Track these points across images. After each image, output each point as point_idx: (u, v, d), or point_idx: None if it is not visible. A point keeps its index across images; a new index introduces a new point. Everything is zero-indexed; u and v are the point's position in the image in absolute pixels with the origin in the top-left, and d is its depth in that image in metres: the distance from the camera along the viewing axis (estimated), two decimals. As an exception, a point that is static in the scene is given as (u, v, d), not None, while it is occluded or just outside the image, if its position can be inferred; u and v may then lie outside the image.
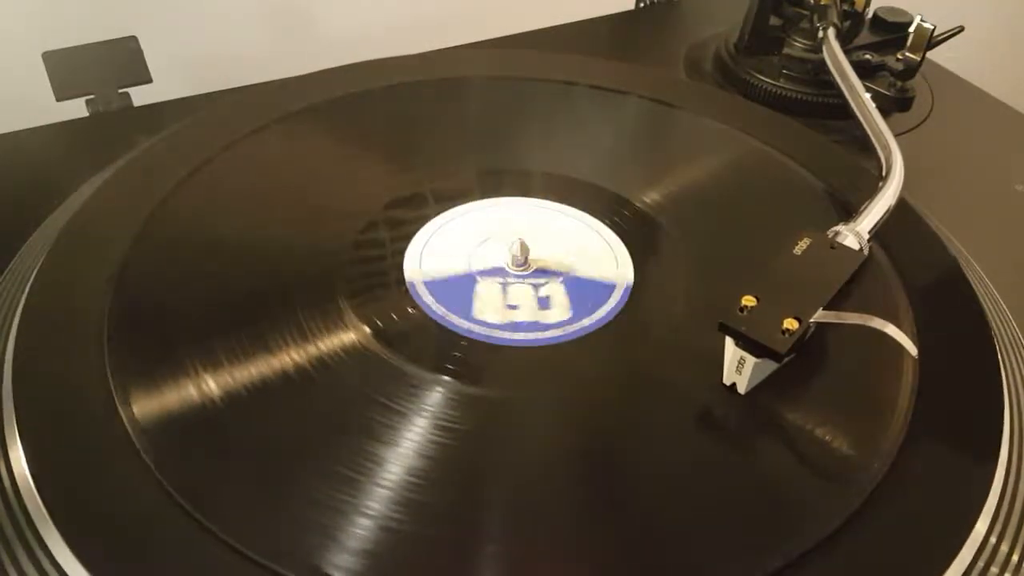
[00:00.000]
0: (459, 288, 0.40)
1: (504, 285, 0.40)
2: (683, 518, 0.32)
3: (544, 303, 0.39)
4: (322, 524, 0.30)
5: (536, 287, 0.40)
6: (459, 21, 0.78)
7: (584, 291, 0.40)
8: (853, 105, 0.50)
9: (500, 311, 0.39)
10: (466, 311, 0.38)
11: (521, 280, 0.40)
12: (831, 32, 0.55)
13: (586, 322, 0.38)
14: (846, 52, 0.54)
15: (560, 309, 0.39)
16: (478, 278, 0.40)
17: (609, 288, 0.39)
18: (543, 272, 0.41)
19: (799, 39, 0.58)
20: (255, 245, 0.41)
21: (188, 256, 0.40)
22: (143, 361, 0.35)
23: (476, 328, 0.38)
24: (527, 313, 0.39)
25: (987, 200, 0.52)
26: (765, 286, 0.35)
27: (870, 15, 0.60)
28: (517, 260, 0.41)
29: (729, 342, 0.35)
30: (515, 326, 0.38)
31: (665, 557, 0.30)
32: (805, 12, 0.58)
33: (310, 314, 0.37)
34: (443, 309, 0.38)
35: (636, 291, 0.40)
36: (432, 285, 0.40)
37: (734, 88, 0.60)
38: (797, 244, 0.38)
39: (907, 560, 0.31)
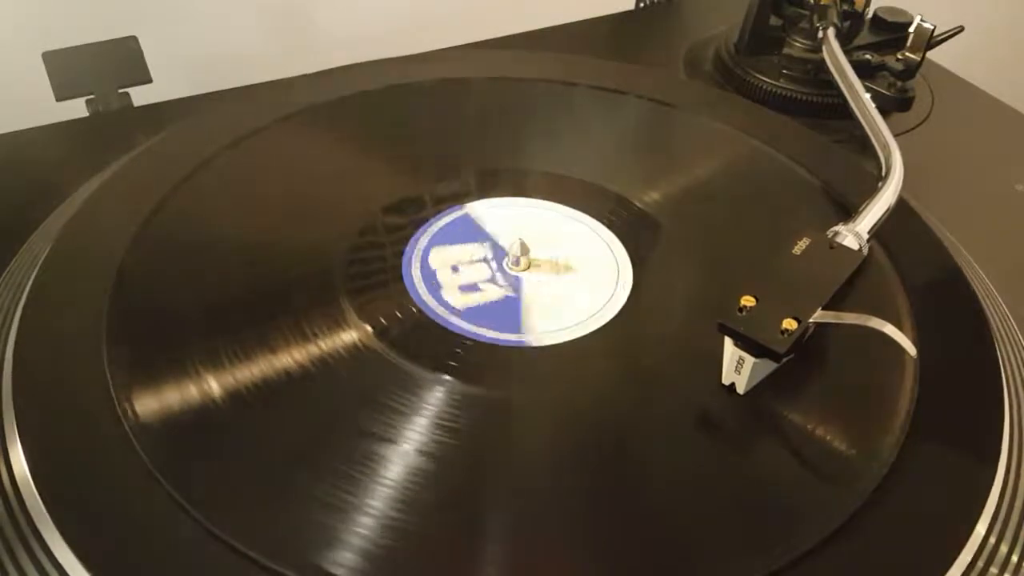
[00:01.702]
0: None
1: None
2: (683, 518, 0.32)
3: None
4: (323, 523, 0.30)
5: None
6: (459, 21, 0.78)
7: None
8: (853, 105, 0.50)
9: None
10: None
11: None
12: (831, 32, 0.55)
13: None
14: (846, 52, 0.54)
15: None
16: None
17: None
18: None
19: (799, 39, 0.58)
20: (255, 245, 0.41)
21: (188, 256, 0.40)
22: (143, 361, 0.35)
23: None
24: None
25: (987, 200, 0.52)
26: (764, 286, 0.35)
27: (870, 15, 0.60)
28: (516, 259, 0.41)
29: (728, 342, 0.35)
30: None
31: (665, 557, 0.30)
32: (805, 12, 0.58)
33: (310, 313, 0.37)
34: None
35: (635, 291, 0.40)
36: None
37: (734, 88, 0.60)
38: (796, 244, 0.38)
39: (907, 560, 0.31)
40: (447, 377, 0.35)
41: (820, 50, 0.55)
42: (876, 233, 0.41)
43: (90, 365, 0.34)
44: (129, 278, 0.38)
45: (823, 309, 0.35)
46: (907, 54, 0.54)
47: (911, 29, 0.54)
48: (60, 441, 0.32)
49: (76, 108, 0.53)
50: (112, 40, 0.54)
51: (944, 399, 0.35)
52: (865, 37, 0.59)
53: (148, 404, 0.33)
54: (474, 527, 0.31)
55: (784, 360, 0.34)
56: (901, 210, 0.43)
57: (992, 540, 0.32)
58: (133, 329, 0.36)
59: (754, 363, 0.34)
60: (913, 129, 0.57)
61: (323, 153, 0.48)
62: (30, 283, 0.38)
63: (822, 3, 0.56)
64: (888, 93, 0.54)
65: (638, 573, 0.30)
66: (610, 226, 0.44)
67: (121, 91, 0.54)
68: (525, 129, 0.50)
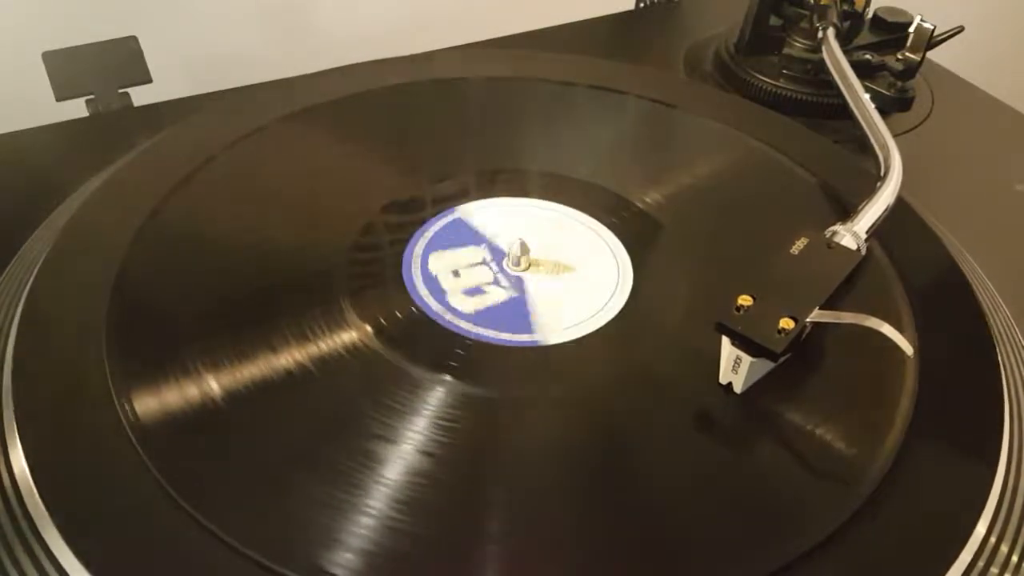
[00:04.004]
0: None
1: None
2: (682, 518, 0.32)
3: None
4: (322, 523, 0.30)
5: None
6: (459, 21, 0.78)
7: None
8: (852, 105, 0.50)
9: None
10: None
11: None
12: (831, 32, 0.55)
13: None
14: (846, 52, 0.54)
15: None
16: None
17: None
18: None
19: (799, 39, 0.58)
20: (255, 245, 0.41)
21: (188, 256, 0.40)
22: (143, 361, 0.35)
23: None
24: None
25: (987, 200, 0.52)
26: (761, 285, 0.35)
27: (870, 15, 0.60)
28: (516, 260, 0.41)
29: (725, 341, 0.35)
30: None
31: (665, 557, 0.30)
32: (805, 12, 0.58)
33: (310, 313, 0.37)
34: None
35: (635, 291, 0.40)
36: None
37: (734, 88, 0.60)
38: (794, 244, 0.38)
39: (907, 560, 0.31)
40: (447, 377, 0.35)
41: (820, 50, 0.55)
42: (876, 233, 0.41)
43: (90, 365, 0.34)
44: (129, 278, 0.38)
45: (820, 309, 0.35)
46: (907, 54, 0.54)
47: (911, 29, 0.54)
48: (60, 441, 0.32)
49: (76, 108, 0.53)
50: (112, 40, 0.54)
51: (944, 399, 0.35)
52: (865, 37, 0.59)
53: (148, 404, 0.33)
54: (474, 527, 0.31)
55: (781, 359, 0.34)
56: (901, 210, 0.43)
57: (992, 540, 0.32)
58: (133, 329, 0.36)
59: (751, 362, 0.34)
60: (913, 129, 0.57)
61: (323, 153, 0.48)
62: (30, 283, 0.38)
63: (822, 3, 0.56)
64: (888, 93, 0.54)
65: (637, 573, 0.30)
66: (610, 226, 0.44)
67: (121, 91, 0.54)
68: (525, 129, 0.50)
